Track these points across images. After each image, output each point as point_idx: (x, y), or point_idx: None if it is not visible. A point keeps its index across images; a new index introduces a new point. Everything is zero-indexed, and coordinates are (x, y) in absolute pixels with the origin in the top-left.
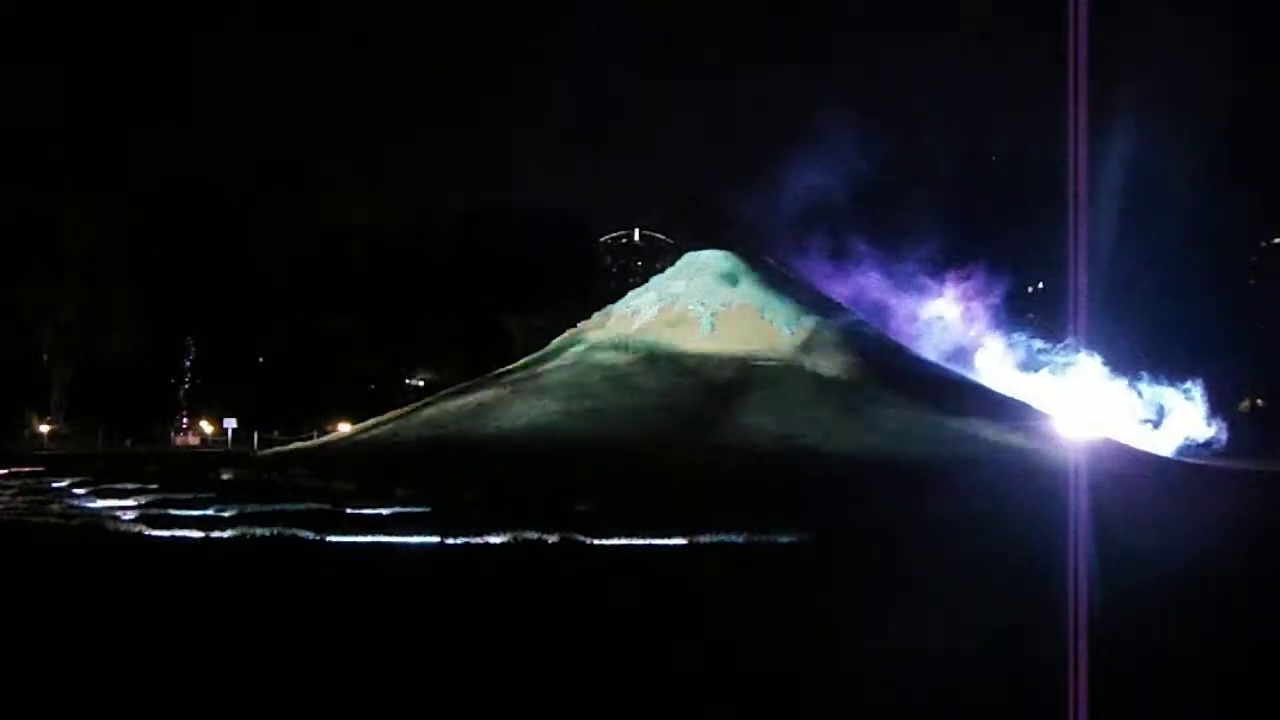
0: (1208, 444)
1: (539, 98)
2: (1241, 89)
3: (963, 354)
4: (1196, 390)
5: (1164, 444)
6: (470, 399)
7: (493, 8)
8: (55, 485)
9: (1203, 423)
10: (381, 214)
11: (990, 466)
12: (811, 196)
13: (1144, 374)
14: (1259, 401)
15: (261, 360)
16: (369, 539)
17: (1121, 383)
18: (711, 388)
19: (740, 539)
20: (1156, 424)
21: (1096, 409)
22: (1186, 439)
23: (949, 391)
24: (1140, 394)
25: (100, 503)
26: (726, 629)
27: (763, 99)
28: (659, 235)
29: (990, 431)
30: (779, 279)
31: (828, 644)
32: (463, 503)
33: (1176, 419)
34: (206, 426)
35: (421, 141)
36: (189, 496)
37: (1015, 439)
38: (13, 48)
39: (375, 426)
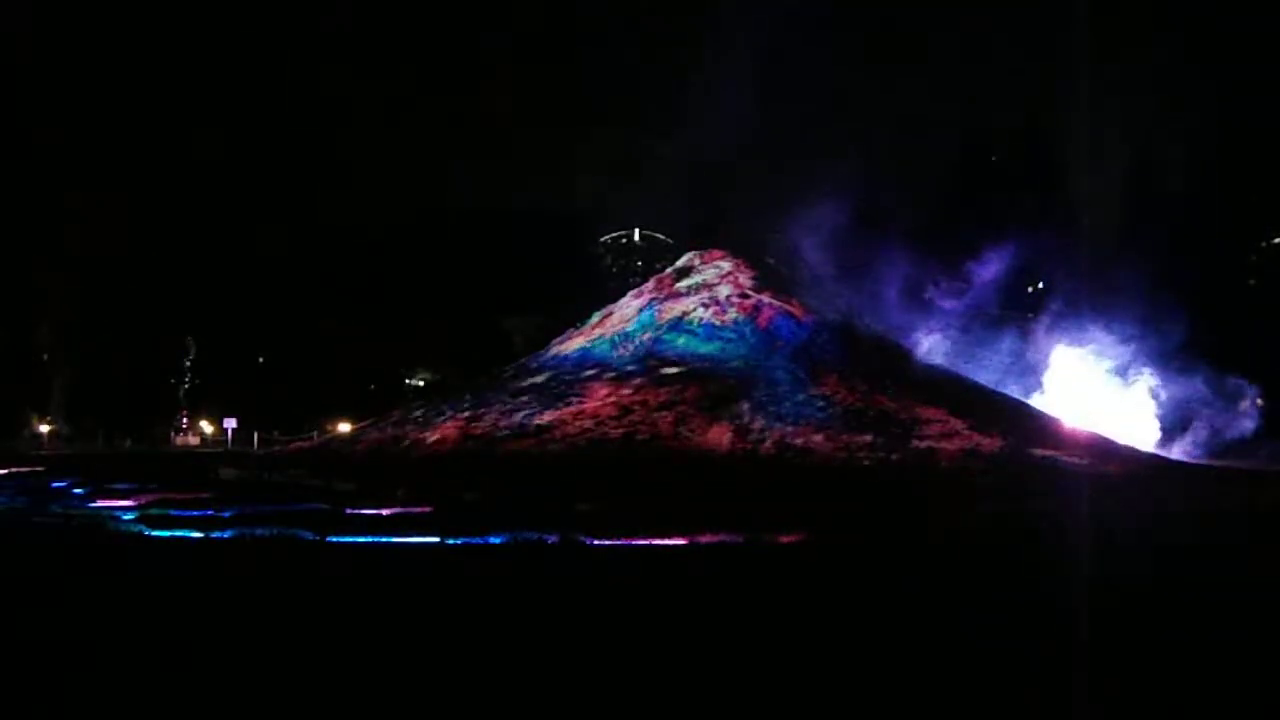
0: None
1: (541, 97)
2: (1241, 88)
3: (965, 355)
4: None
5: (1176, 445)
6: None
7: (493, 8)
8: (55, 485)
9: (1226, 421)
10: (381, 214)
11: (993, 469)
12: (808, 193)
13: (1144, 372)
14: (1259, 401)
15: (261, 360)
16: (369, 539)
17: (1122, 381)
18: (712, 388)
19: (741, 539)
20: (1171, 425)
21: (1097, 409)
22: (1209, 439)
23: (952, 394)
24: (1142, 393)
25: (100, 503)
26: (727, 629)
27: (762, 98)
28: (659, 235)
29: (993, 434)
30: (780, 279)
31: (827, 645)
32: (463, 503)
33: (1186, 419)
34: (206, 426)
35: (421, 141)
36: (189, 496)
37: (1019, 442)
38: (13, 46)
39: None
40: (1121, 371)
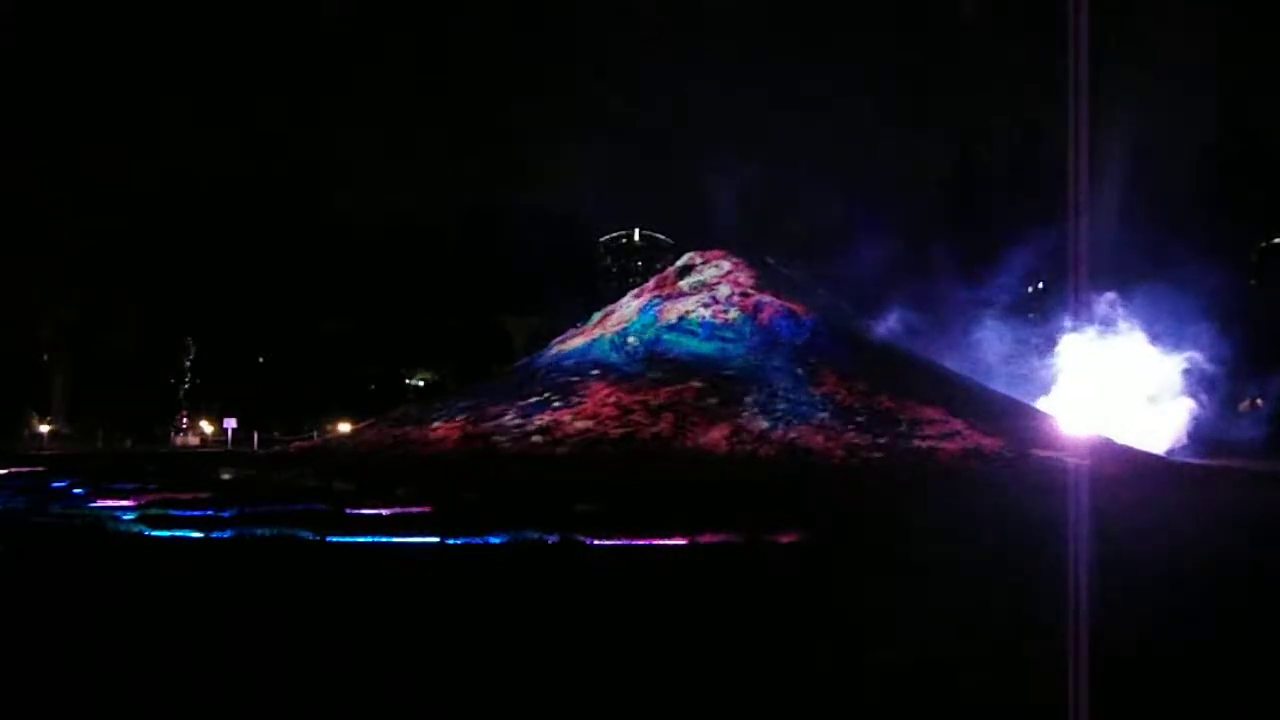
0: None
1: (541, 97)
2: (1241, 88)
3: (967, 355)
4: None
5: (1168, 443)
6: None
7: (494, 7)
8: (55, 485)
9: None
10: (382, 214)
11: (993, 468)
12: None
13: (1144, 371)
14: (1259, 401)
15: (261, 360)
16: (369, 539)
17: (1125, 380)
18: (712, 388)
19: (740, 539)
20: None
21: (1099, 409)
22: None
23: (952, 393)
24: (1144, 391)
25: (100, 503)
26: (728, 630)
27: (763, 100)
28: (659, 235)
29: (993, 434)
30: (780, 279)
31: (828, 644)
32: (463, 503)
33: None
34: (206, 426)
35: (422, 141)
36: (189, 496)
37: (1019, 442)
38: (14, 46)
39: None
40: (1132, 373)
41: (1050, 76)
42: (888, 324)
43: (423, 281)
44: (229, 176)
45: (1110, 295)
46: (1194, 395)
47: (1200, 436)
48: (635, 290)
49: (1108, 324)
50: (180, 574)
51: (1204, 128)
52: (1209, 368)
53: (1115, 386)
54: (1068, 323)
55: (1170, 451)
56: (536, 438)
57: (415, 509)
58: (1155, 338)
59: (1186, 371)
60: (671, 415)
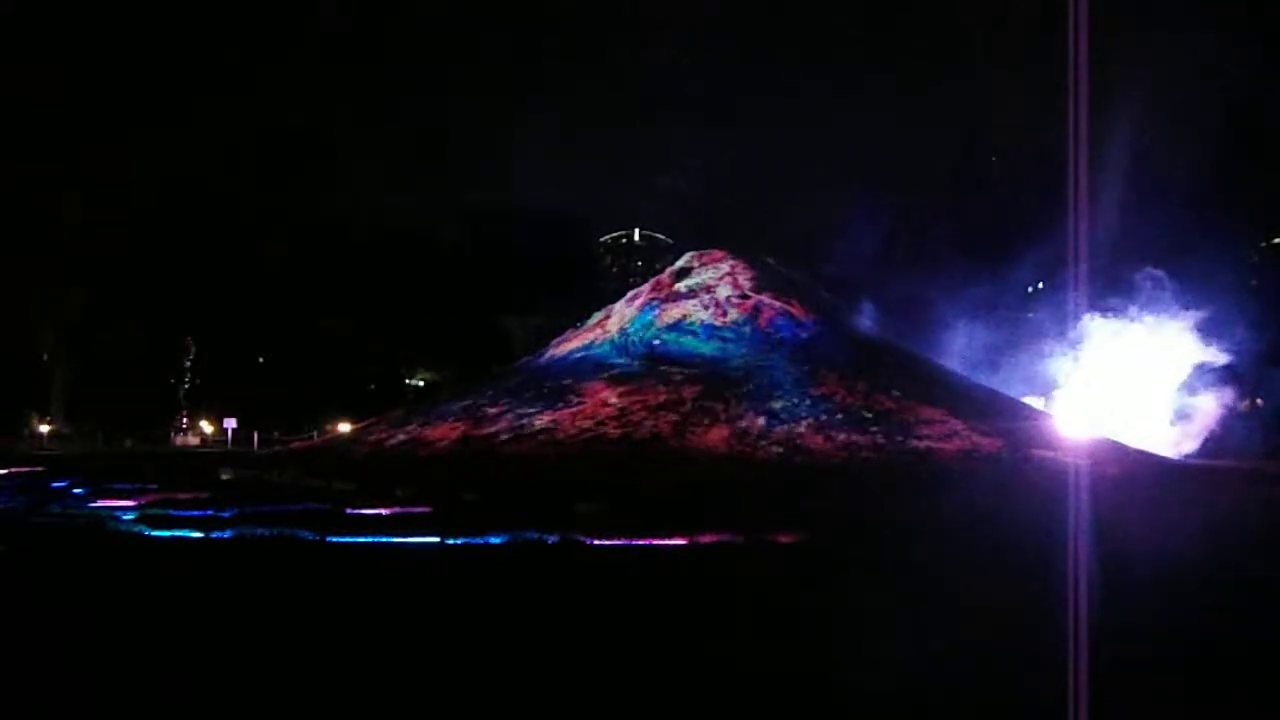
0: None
1: (540, 97)
2: (1241, 88)
3: (968, 354)
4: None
5: (1175, 445)
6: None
7: (493, 6)
8: (55, 485)
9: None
10: (381, 214)
11: (994, 467)
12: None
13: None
14: (1259, 401)
15: (261, 360)
16: (369, 539)
17: (1125, 380)
18: (712, 389)
19: (741, 539)
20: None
21: (1098, 409)
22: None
23: (952, 393)
24: (1145, 392)
25: (100, 503)
26: (729, 629)
27: (763, 101)
28: (659, 235)
29: (993, 434)
30: (779, 279)
31: (830, 644)
32: (463, 503)
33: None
34: (206, 426)
35: (422, 141)
36: (189, 496)
37: (1019, 442)
38: (14, 47)
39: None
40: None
41: (1052, 72)
42: (883, 322)
43: (423, 282)
44: (228, 176)
45: (1156, 272)
46: (1220, 391)
47: (1220, 437)
48: (632, 293)
49: (1150, 304)
50: (180, 574)
51: (1205, 127)
52: (1242, 360)
53: (1131, 381)
54: (1083, 307)
55: (1188, 455)
56: (536, 438)
57: (415, 509)
58: (1194, 324)
59: (1216, 368)
60: (671, 415)
